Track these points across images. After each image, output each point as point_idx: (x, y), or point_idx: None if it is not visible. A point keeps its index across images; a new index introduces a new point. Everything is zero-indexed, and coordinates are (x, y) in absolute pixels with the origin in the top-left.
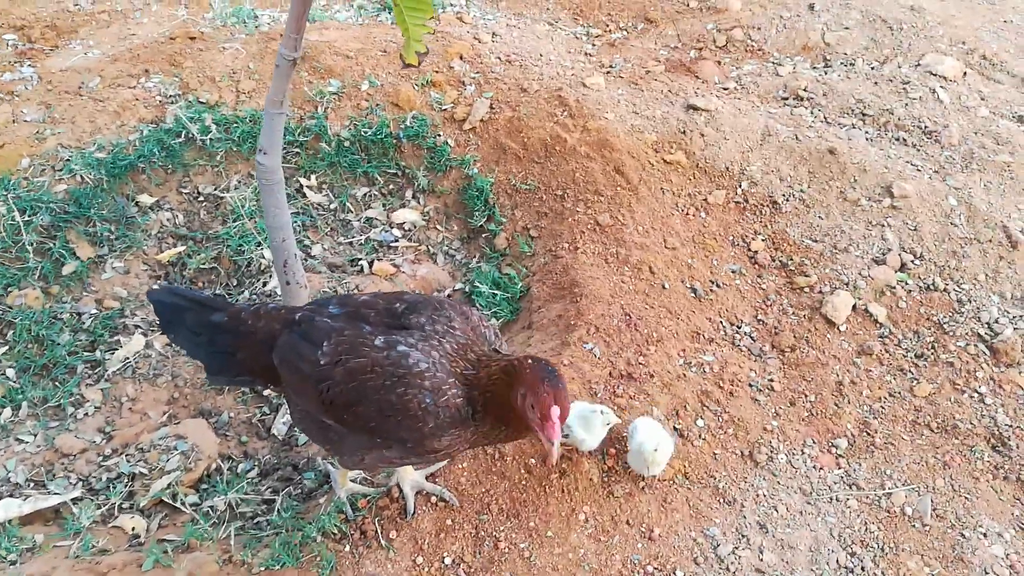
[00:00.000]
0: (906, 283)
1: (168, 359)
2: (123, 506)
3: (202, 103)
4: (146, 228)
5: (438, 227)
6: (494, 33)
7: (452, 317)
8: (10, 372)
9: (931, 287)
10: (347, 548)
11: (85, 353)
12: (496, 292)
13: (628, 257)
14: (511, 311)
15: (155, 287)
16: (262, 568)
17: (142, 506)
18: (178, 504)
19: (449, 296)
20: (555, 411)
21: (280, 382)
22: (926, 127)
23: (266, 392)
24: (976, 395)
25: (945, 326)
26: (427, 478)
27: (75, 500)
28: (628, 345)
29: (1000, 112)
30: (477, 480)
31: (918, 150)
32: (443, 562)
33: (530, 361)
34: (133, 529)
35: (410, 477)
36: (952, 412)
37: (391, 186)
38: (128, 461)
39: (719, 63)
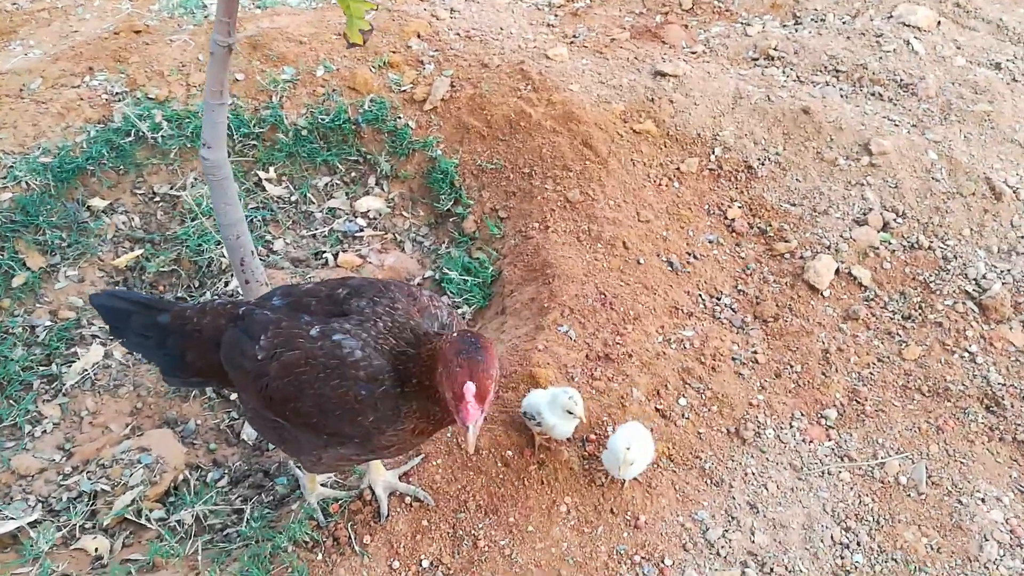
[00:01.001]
0: (889, 243)
1: (129, 368)
2: (85, 526)
3: (151, 99)
4: (100, 233)
5: (404, 213)
6: (452, 9)
7: (396, 298)
8: None
9: (915, 245)
10: (319, 556)
11: (41, 368)
12: (467, 278)
13: (601, 233)
14: (483, 296)
15: (96, 292)
16: None
17: (105, 525)
18: (143, 521)
19: (419, 285)
20: (468, 388)
21: (229, 380)
22: (902, 80)
23: (224, 393)
24: (967, 355)
25: (932, 285)
26: (400, 477)
27: (33, 523)
28: (604, 325)
29: (977, 60)
30: (453, 477)
31: (895, 104)
32: (420, 565)
33: (454, 335)
34: (96, 550)
35: (382, 478)
36: (943, 374)
37: (353, 174)
38: (89, 478)
39: (686, 27)
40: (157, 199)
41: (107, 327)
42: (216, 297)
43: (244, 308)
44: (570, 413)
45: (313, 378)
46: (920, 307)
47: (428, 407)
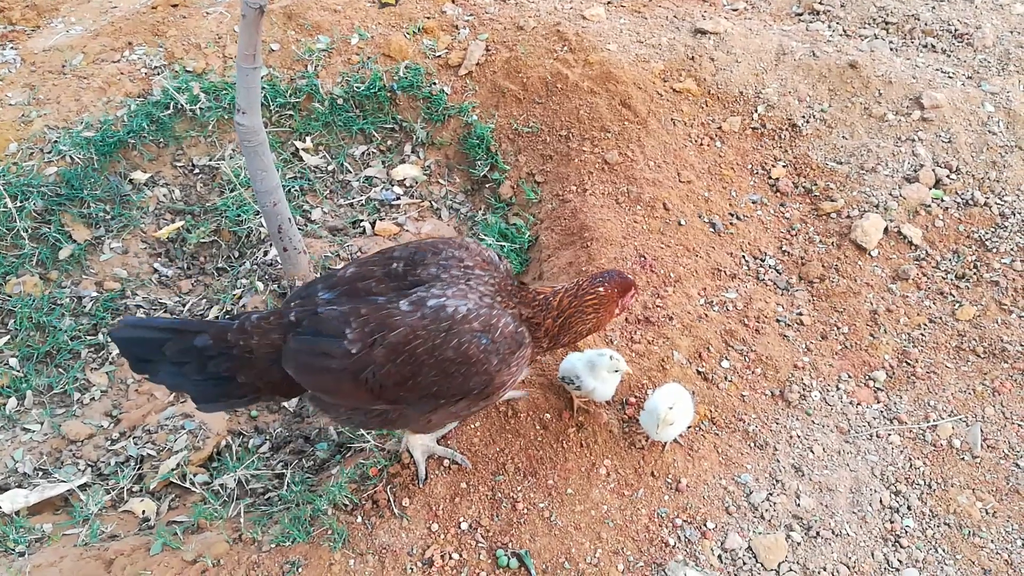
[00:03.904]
0: (942, 200)
1: None
2: (133, 490)
3: (189, 72)
4: (142, 205)
5: (440, 181)
6: None
7: (461, 257)
8: (13, 361)
9: (970, 202)
10: (359, 519)
11: (88, 337)
12: (504, 244)
13: (640, 195)
14: (520, 262)
15: (113, 323)
16: (272, 545)
17: (152, 488)
18: (188, 484)
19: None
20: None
21: (296, 391)
22: (956, 30)
23: (273, 406)
24: None
25: (987, 243)
26: (439, 441)
27: (83, 487)
28: (644, 288)
29: None
30: (490, 439)
31: (948, 56)
32: (459, 527)
33: (595, 278)
34: (143, 513)
35: (420, 442)
36: (999, 334)
37: (389, 142)
38: (136, 444)
39: None
40: (196, 171)
41: (128, 363)
42: (247, 312)
43: (296, 313)
44: (616, 371)
45: (430, 347)
46: (975, 266)
47: (539, 337)
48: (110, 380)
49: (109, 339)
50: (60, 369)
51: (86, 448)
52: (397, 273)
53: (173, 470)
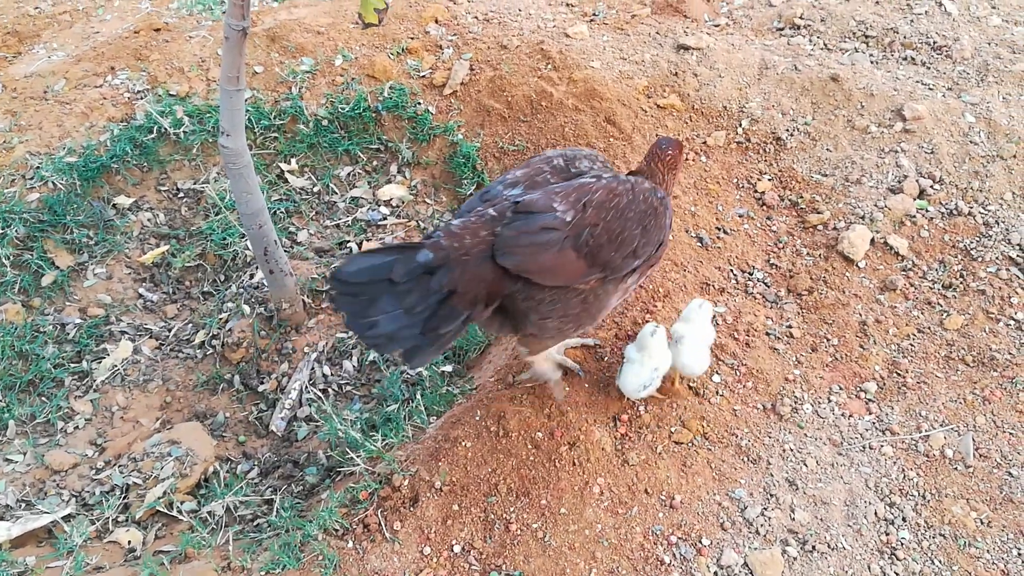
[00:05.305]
0: (927, 210)
1: (158, 363)
2: (118, 519)
3: (172, 95)
4: (126, 230)
5: (427, 200)
6: None
7: (596, 156)
8: None
9: (954, 212)
10: (350, 544)
11: (72, 364)
12: None
13: None
14: None
15: (336, 267)
16: (262, 572)
17: (138, 518)
18: (175, 513)
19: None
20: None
21: (499, 295)
22: (935, 42)
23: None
24: (1013, 322)
25: (973, 252)
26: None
27: (67, 517)
28: (634, 303)
29: (1013, 19)
30: (482, 460)
31: (928, 68)
32: (452, 550)
33: (670, 152)
34: (129, 543)
35: (546, 357)
36: (988, 343)
37: (375, 162)
38: (121, 472)
39: (707, 0)
40: (181, 195)
41: (351, 310)
42: (439, 225)
43: (496, 209)
44: (655, 332)
45: (628, 201)
46: (961, 275)
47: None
48: (94, 408)
49: (332, 280)
50: (43, 398)
51: (70, 478)
52: (561, 167)
53: (160, 498)
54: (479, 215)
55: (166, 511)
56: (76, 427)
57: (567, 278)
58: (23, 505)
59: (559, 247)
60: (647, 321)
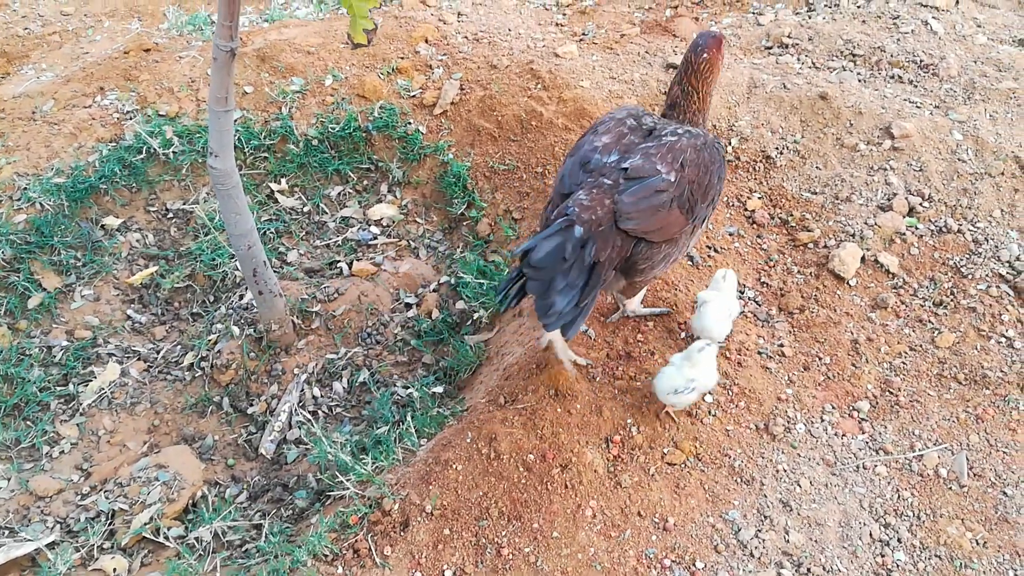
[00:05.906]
0: (916, 228)
1: (146, 385)
2: (103, 546)
3: (162, 116)
4: (114, 251)
5: (417, 219)
6: (459, 13)
7: (643, 111)
8: None
9: (944, 229)
10: (340, 570)
11: (58, 388)
12: (483, 281)
13: None
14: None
15: (516, 251)
16: None
17: (123, 544)
18: (161, 539)
19: (435, 290)
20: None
21: (623, 259)
22: (922, 61)
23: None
24: (1004, 340)
25: (963, 269)
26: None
27: (51, 545)
28: (624, 323)
29: (999, 37)
30: (473, 483)
31: (916, 86)
32: (443, 575)
33: (705, 55)
34: (114, 570)
35: (635, 305)
36: (980, 361)
37: (365, 182)
38: (107, 498)
39: (696, 19)
40: (170, 215)
41: (543, 291)
42: (568, 201)
43: (610, 176)
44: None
45: (708, 156)
46: (952, 293)
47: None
48: (80, 432)
49: (527, 266)
50: (28, 422)
51: (55, 504)
52: (635, 126)
53: (146, 524)
54: (598, 185)
55: (152, 537)
56: (62, 451)
57: (674, 232)
58: (6, 532)
59: (669, 207)
60: (639, 341)
